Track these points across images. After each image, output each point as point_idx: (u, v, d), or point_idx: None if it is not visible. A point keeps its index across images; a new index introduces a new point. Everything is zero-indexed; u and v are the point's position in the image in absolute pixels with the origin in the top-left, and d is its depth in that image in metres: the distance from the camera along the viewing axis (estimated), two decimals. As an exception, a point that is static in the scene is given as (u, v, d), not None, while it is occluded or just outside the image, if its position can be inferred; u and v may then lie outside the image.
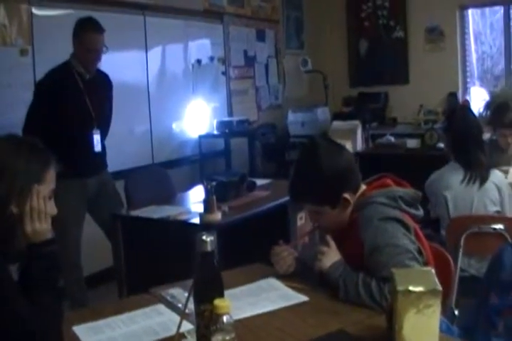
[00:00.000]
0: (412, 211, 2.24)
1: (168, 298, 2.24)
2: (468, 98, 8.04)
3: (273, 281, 2.32)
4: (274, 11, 8.00)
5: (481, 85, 8.36)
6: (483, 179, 3.27)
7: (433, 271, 1.73)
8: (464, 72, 8.18)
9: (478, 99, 7.95)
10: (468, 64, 8.23)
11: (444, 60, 8.01)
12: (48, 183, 1.78)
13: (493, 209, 3.26)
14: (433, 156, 5.43)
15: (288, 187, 2.31)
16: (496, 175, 3.32)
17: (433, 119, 7.23)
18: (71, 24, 4.02)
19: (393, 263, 1.99)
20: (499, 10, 8.30)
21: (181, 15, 6.24)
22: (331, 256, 2.18)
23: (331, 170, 2.19)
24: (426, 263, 2.13)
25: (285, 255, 2.35)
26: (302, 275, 2.33)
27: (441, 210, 3.32)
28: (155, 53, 5.93)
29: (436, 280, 1.66)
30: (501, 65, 8.40)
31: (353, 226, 2.20)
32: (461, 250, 3.06)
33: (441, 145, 5.66)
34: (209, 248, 1.69)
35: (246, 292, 2.24)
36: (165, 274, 3.39)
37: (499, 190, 3.27)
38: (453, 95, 7.88)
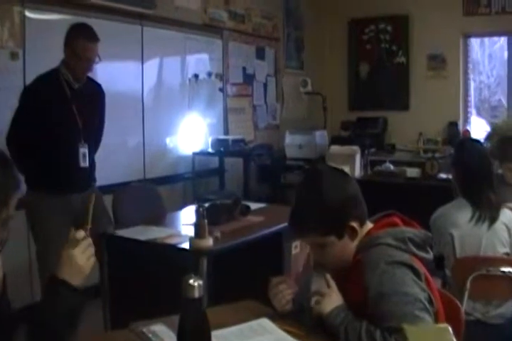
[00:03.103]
0: (422, 254, 2.04)
1: (150, 335, 2.03)
2: (468, 128, 7.95)
3: (266, 323, 2.12)
4: (275, 29, 7.94)
5: (478, 115, 8.25)
6: (493, 219, 3.07)
7: (450, 329, 1.53)
8: (466, 101, 8.10)
9: (477, 129, 7.84)
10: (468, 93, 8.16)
11: (446, 88, 7.94)
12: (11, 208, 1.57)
13: (502, 250, 3.07)
14: (434, 187, 5.34)
15: (289, 218, 2.09)
16: (506, 215, 3.12)
17: (433, 149, 7.10)
18: (65, 29, 3.85)
19: (401, 313, 1.80)
20: (498, 40, 8.24)
21: (180, 28, 6.16)
22: (333, 300, 1.98)
23: (336, 197, 2.00)
24: (436, 314, 1.93)
25: (284, 288, 2.15)
26: (298, 317, 2.12)
27: (447, 249, 3.12)
28: (151, 65, 5.83)
29: (454, 339, 1.46)
30: (498, 95, 8.35)
31: (357, 269, 1.99)
32: (466, 292, 2.87)
33: (443, 175, 5.56)
34: (196, 294, 1.48)
35: (236, 334, 2.03)
36: (151, 298, 3.33)
37: (509, 230, 3.09)
38: (453, 124, 7.79)
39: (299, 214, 2.05)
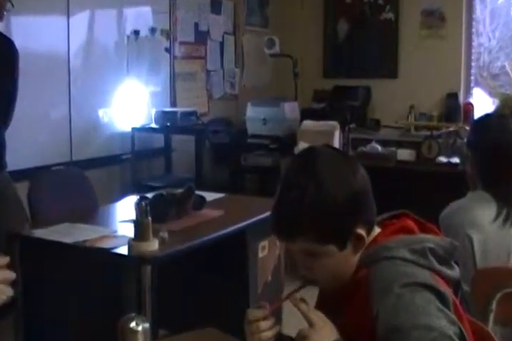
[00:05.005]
0: (445, 271, 1.81)
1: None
2: (470, 100, 7.85)
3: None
4: (233, -23, 7.85)
5: (475, 84, 8.11)
6: None
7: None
8: (468, 68, 7.97)
9: (479, 102, 7.72)
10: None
11: (444, 52, 7.78)
12: None
13: (537, 260, 2.89)
14: (433, 173, 5.19)
15: (273, 215, 1.84)
16: None
17: (429, 126, 6.96)
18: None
19: None
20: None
21: (116, -28, 6.04)
22: (324, 333, 1.73)
23: (341, 194, 1.76)
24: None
25: (265, 328, 1.87)
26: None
27: (464, 256, 2.88)
28: (80, 19, 5.63)
29: None
30: (500, 62, 8.22)
31: (359, 289, 1.77)
32: (492, 315, 2.67)
33: (443, 159, 5.40)
34: (141, 341, 1.22)
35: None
36: (78, 317, 3.16)
37: None
38: (453, 96, 7.67)
39: (289, 212, 1.80)
